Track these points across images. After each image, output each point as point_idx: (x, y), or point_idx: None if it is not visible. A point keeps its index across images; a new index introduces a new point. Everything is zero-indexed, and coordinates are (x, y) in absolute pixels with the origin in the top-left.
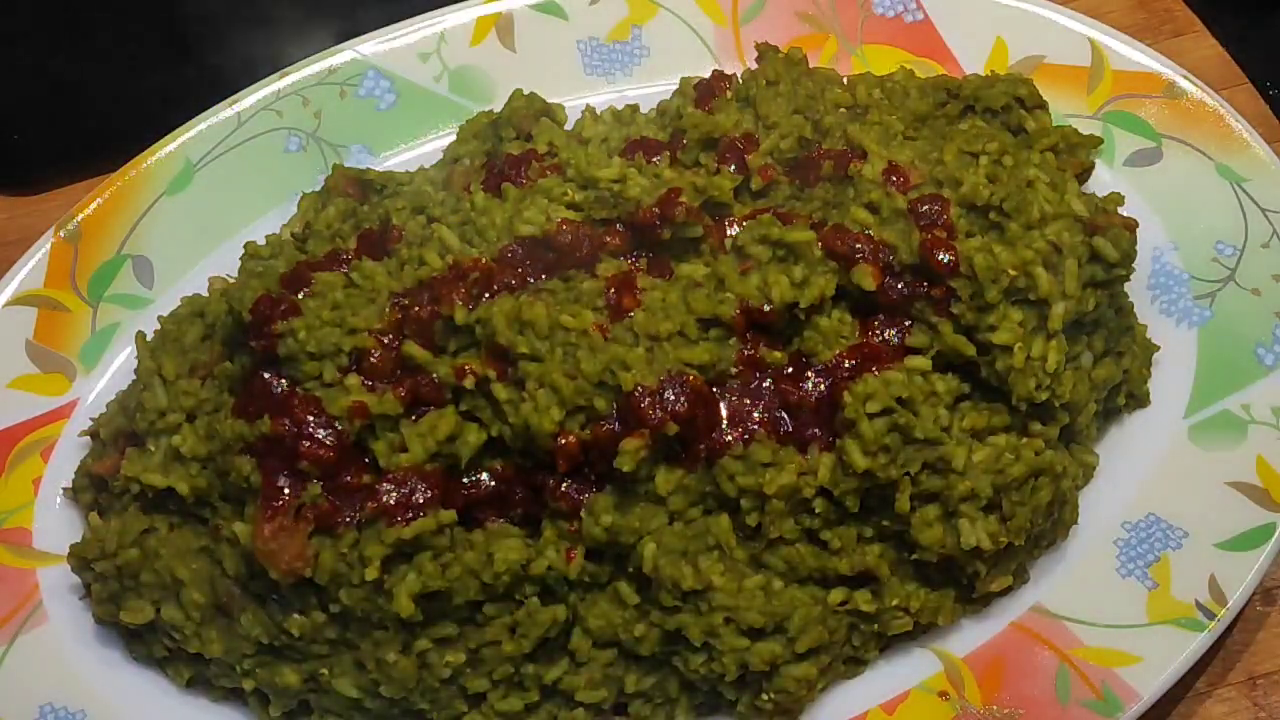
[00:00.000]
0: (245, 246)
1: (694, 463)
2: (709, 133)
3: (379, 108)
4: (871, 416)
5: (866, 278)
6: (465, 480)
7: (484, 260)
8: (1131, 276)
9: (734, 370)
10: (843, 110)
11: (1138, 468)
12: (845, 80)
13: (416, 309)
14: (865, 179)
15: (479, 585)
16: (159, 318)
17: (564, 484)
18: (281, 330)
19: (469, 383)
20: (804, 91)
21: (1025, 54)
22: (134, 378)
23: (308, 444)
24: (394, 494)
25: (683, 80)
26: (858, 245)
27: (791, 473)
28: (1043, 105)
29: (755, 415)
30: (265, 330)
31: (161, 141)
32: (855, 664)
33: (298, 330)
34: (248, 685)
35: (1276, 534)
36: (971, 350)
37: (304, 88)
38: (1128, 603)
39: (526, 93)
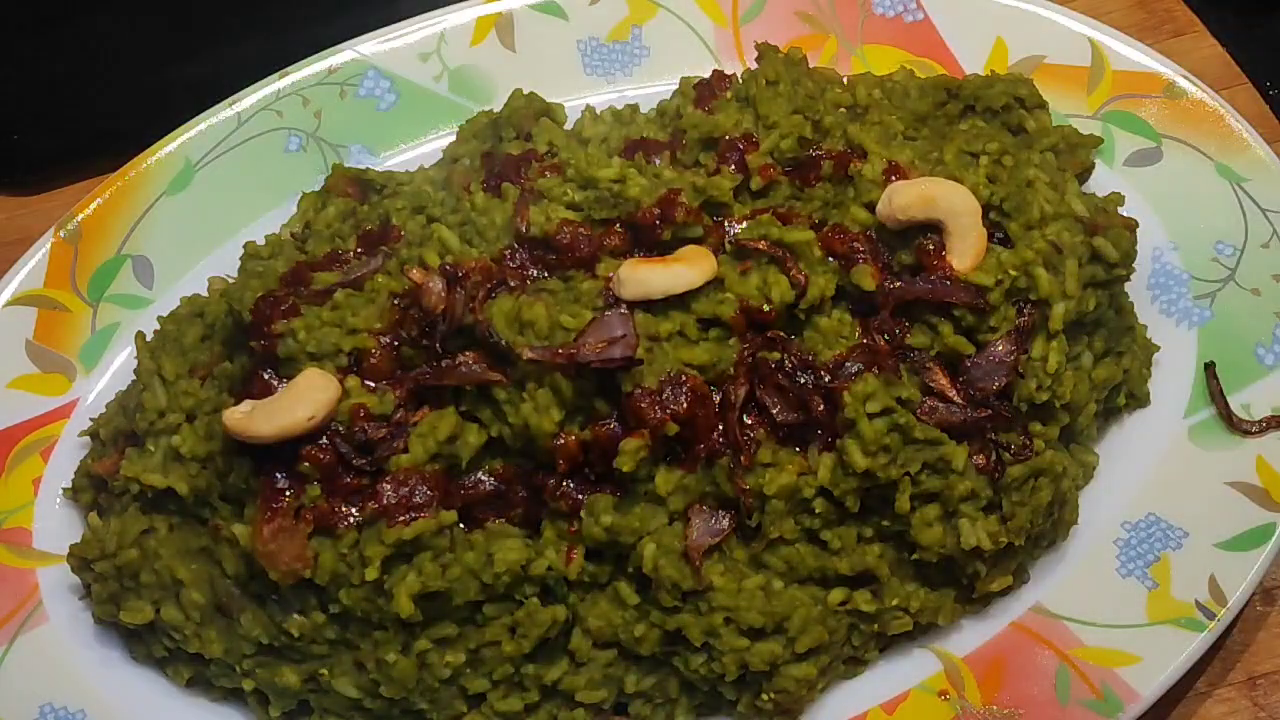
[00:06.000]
0: (245, 246)
1: (694, 463)
2: (709, 133)
3: (379, 108)
4: (871, 416)
5: (866, 278)
6: (465, 480)
7: (484, 260)
8: (1131, 276)
9: (733, 370)
10: (843, 110)
11: (1138, 468)
12: (845, 80)
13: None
14: (865, 179)
15: (479, 585)
16: (159, 318)
17: (564, 484)
18: (281, 330)
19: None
20: (804, 91)
21: (1025, 54)
22: (134, 378)
23: (308, 445)
24: (394, 494)
25: (683, 80)
26: (858, 245)
27: (791, 473)
28: (1043, 105)
29: (755, 415)
30: (265, 330)
31: (161, 141)
32: (855, 664)
33: (298, 330)
34: (248, 685)
35: (1276, 534)
36: (971, 350)
37: (304, 88)
38: (1128, 603)
39: (526, 93)
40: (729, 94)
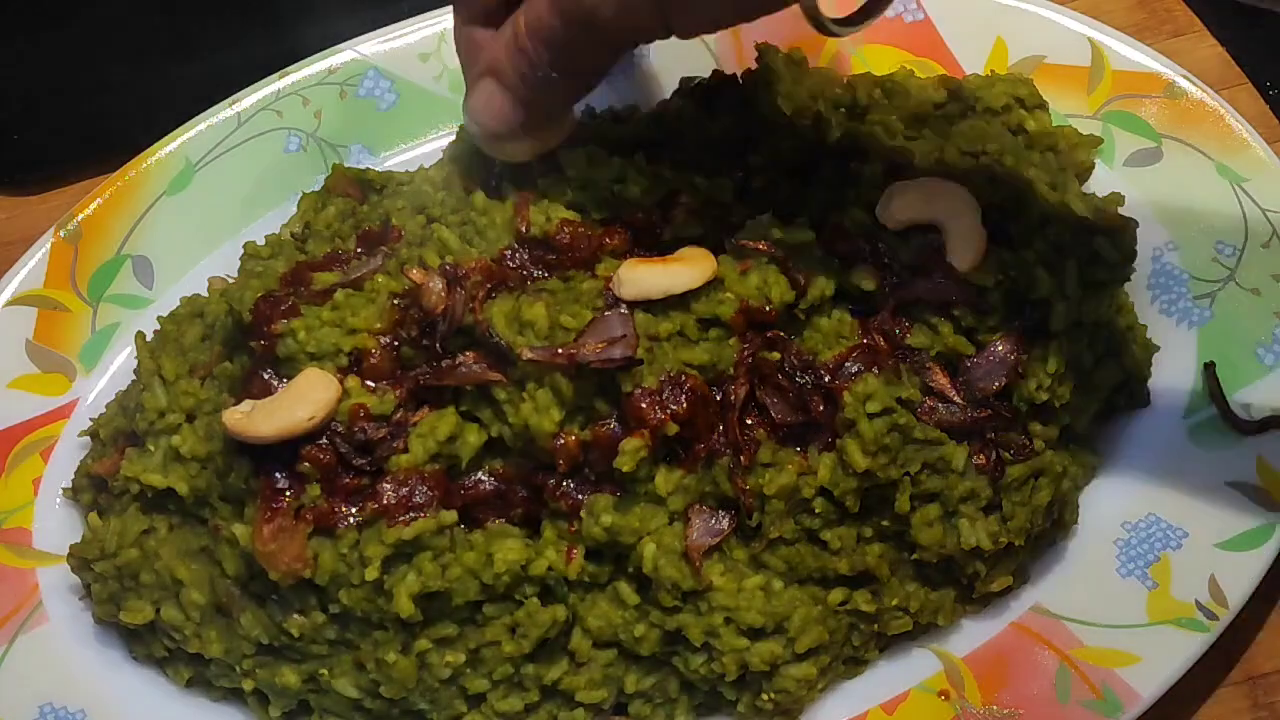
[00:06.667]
0: (245, 246)
1: (694, 463)
2: (709, 133)
3: (379, 108)
4: (871, 416)
5: (866, 278)
6: (465, 480)
7: (484, 260)
8: (1131, 276)
9: (733, 370)
10: (843, 110)
11: (1138, 468)
12: (845, 80)
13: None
14: (865, 179)
15: (479, 585)
16: (159, 318)
17: (564, 484)
18: (281, 330)
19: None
20: (804, 91)
21: (1025, 54)
22: (134, 378)
23: (308, 445)
24: (394, 494)
25: (683, 80)
26: (858, 245)
27: (791, 473)
28: (1043, 105)
29: (755, 415)
30: (265, 330)
31: (161, 141)
32: (855, 664)
33: (297, 330)
34: (248, 685)
35: (1276, 534)
36: (971, 350)
37: (304, 88)
38: (1128, 603)
39: None
40: (729, 94)
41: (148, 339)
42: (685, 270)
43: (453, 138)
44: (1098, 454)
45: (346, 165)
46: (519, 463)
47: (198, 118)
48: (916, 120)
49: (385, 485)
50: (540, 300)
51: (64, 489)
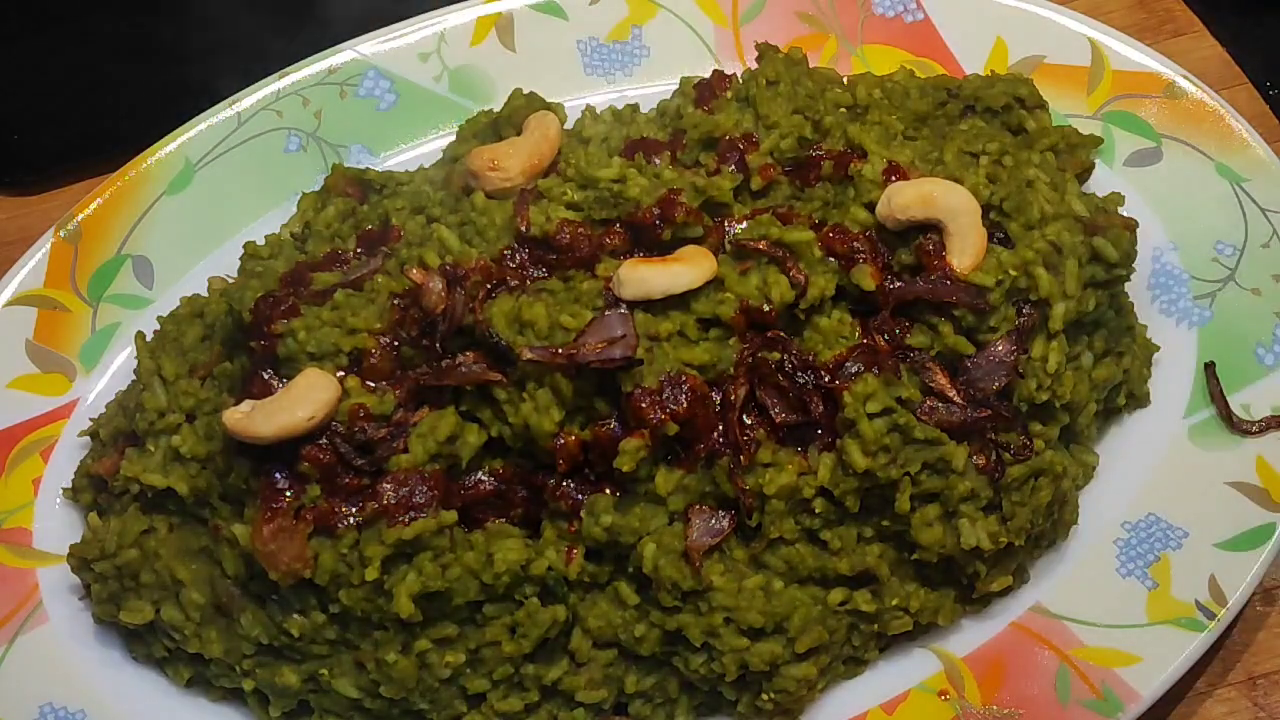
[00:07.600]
0: (245, 246)
1: (694, 463)
2: (709, 133)
3: (379, 108)
4: (871, 416)
5: (866, 278)
6: (465, 480)
7: (484, 260)
8: (1131, 276)
9: (733, 370)
10: (843, 110)
11: (1138, 468)
12: (845, 80)
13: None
14: (865, 179)
15: (479, 586)
16: (159, 318)
17: (564, 484)
18: (281, 330)
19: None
20: (804, 91)
21: (1025, 54)
22: (134, 378)
23: (308, 445)
24: (394, 494)
25: (683, 80)
26: (858, 245)
27: (791, 473)
28: (1043, 105)
29: (755, 415)
30: (265, 330)
31: (161, 141)
32: (855, 664)
33: (297, 330)
34: (248, 685)
35: (1276, 534)
36: (971, 350)
37: (304, 88)
38: (1128, 603)
39: (526, 92)
40: (729, 94)
41: (148, 339)
42: (685, 270)
43: (453, 138)
44: (1097, 454)
45: (346, 165)
46: (519, 463)
47: (198, 118)
48: (916, 120)
49: (385, 485)
50: (540, 300)
51: (64, 489)
